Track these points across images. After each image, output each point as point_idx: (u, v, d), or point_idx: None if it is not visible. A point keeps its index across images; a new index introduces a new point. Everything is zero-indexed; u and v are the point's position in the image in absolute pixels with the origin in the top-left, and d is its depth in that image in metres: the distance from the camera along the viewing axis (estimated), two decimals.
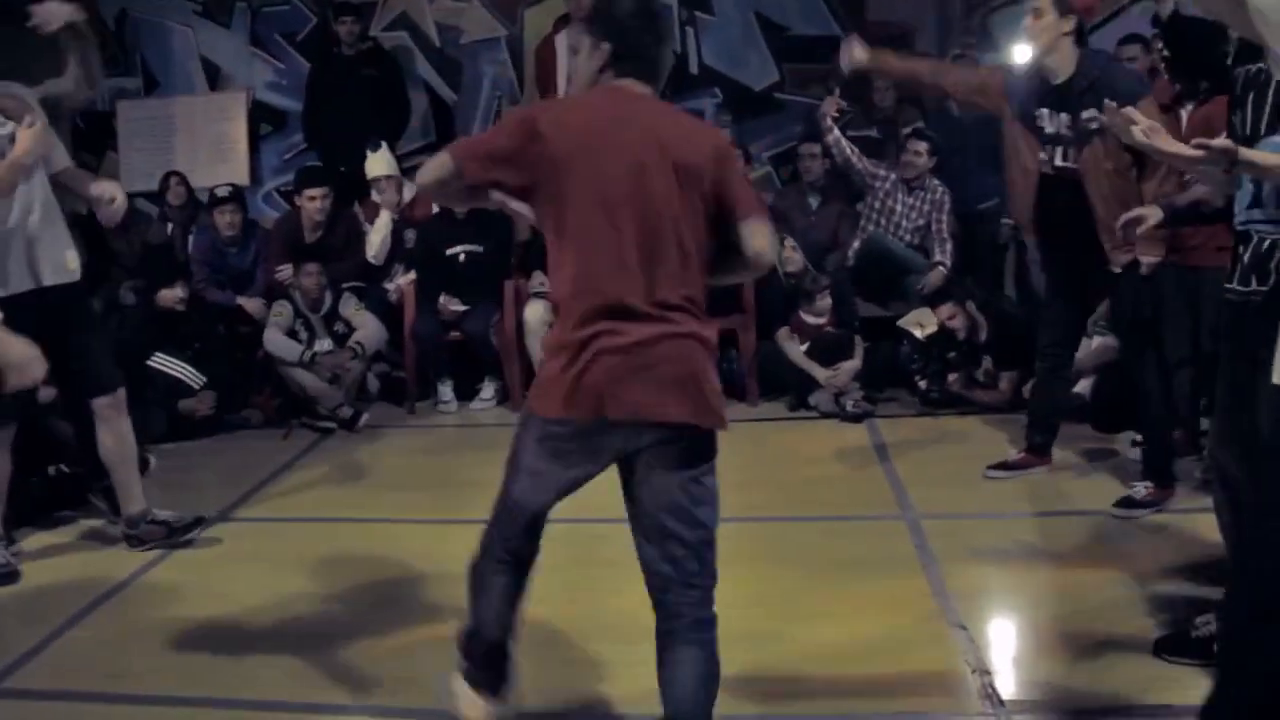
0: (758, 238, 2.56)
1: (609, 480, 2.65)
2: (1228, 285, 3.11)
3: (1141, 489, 4.39)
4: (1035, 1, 4.22)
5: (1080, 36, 4.27)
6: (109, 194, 4.11)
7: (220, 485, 5.11)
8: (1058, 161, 4.35)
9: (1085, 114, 4.17)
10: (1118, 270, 4.31)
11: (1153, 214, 3.59)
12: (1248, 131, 2.99)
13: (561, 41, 6.98)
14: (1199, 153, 2.69)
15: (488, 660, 2.81)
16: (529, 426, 2.66)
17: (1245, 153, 2.69)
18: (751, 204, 2.59)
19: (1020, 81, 4.52)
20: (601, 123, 2.52)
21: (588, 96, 2.64)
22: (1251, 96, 3.02)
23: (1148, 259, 4.28)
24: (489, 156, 2.51)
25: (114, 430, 4.25)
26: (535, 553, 2.83)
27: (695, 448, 2.57)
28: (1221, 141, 2.70)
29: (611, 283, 2.46)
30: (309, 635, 3.59)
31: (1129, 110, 2.98)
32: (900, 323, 6.09)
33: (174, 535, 4.39)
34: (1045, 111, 4.34)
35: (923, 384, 5.98)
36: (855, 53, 4.72)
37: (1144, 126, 2.87)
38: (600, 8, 2.74)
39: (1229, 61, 3.50)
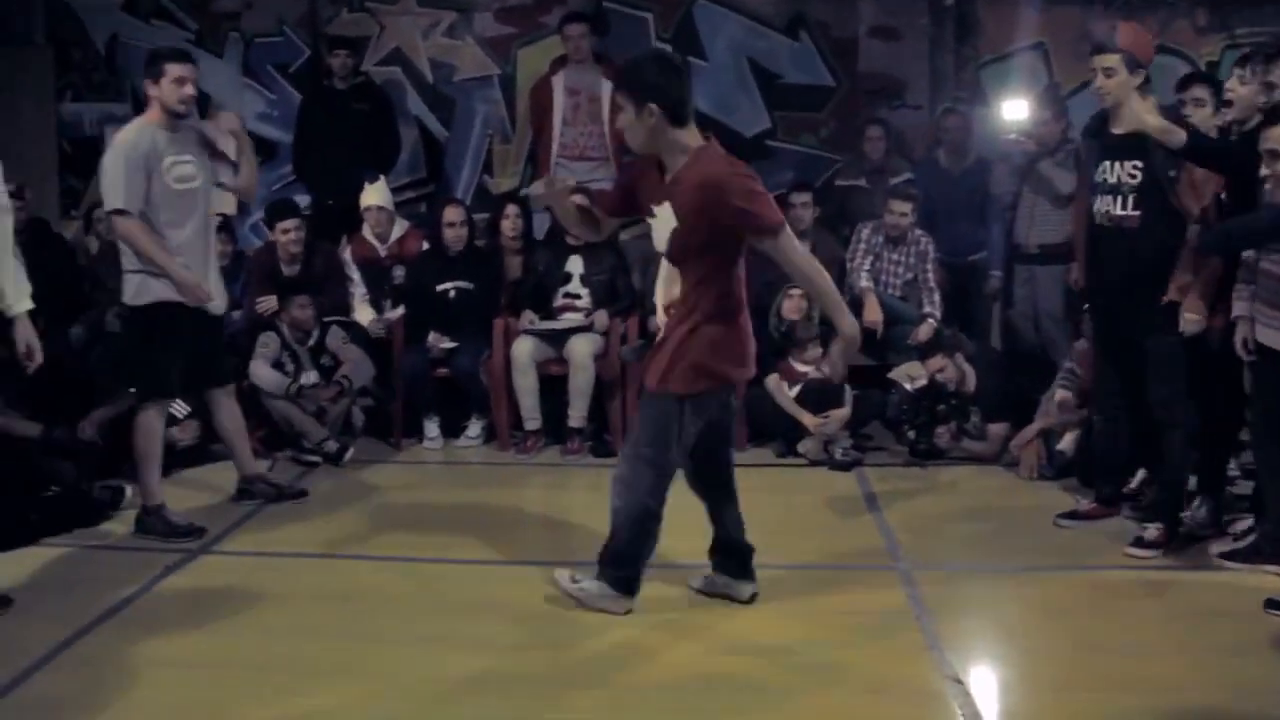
0: None
1: None
2: None
3: (1153, 530, 4.47)
4: (1106, 61, 4.32)
5: (1144, 87, 4.41)
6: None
7: (203, 517, 5.03)
8: (1116, 211, 4.42)
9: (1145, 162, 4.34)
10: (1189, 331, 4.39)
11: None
12: None
13: (559, 83, 7.02)
14: None
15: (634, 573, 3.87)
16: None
17: None
18: None
19: (1084, 143, 4.74)
20: None
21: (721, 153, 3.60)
22: None
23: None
24: None
25: (229, 411, 5.18)
26: None
27: None
28: None
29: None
30: (287, 670, 3.53)
31: None
32: (891, 374, 6.10)
33: (282, 498, 5.32)
34: (1107, 163, 4.44)
35: (911, 434, 5.98)
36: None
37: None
38: (636, 73, 3.46)
39: None
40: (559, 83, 7.03)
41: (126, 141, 4.70)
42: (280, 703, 3.34)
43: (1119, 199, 4.41)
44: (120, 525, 4.96)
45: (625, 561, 3.88)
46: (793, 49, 7.97)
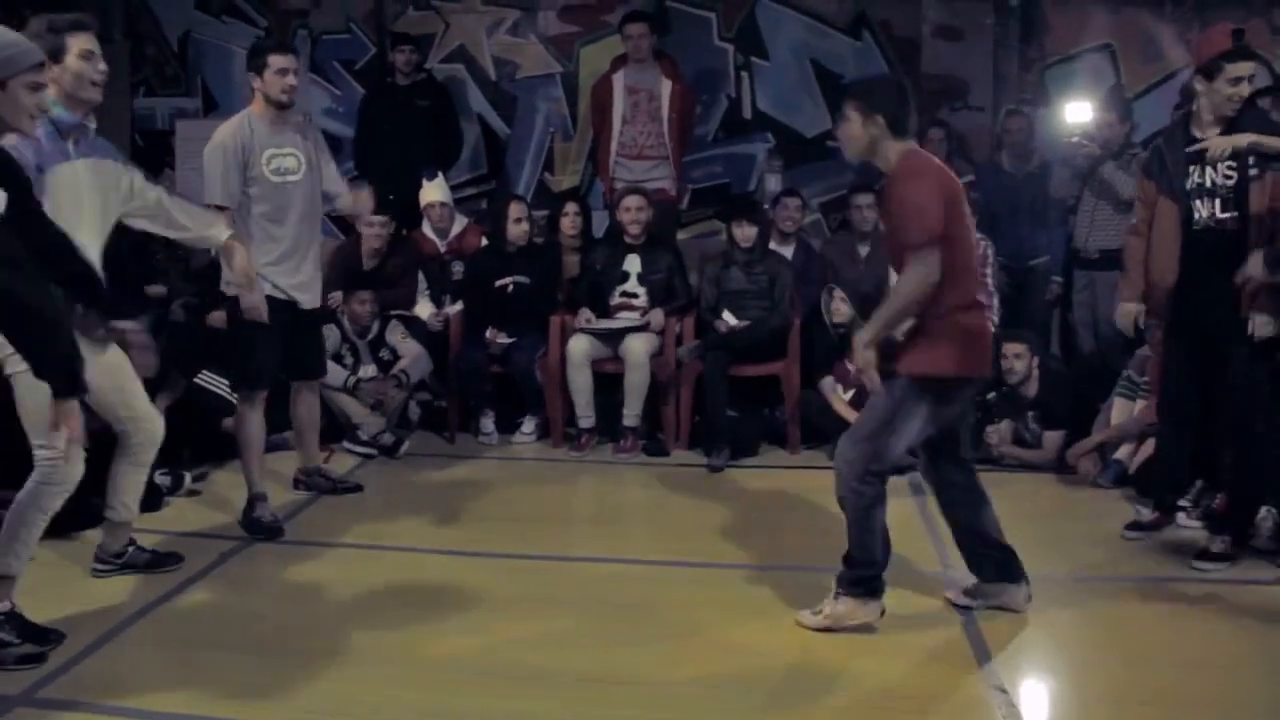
0: None
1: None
2: None
3: (1218, 542, 4.41)
4: (1245, 70, 4.26)
5: None
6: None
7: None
8: (1218, 214, 4.35)
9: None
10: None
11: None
12: None
13: (619, 81, 7.04)
14: None
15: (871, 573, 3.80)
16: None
17: None
18: None
19: (1159, 157, 4.58)
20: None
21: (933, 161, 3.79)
22: None
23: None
24: None
25: (309, 403, 5.29)
26: None
27: None
28: None
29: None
30: (339, 660, 3.58)
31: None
32: None
33: (336, 491, 5.39)
34: (1196, 166, 4.37)
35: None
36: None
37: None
38: (867, 88, 3.86)
39: None
40: (619, 81, 7.04)
41: (224, 134, 4.73)
42: (327, 688, 3.40)
43: (1216, 201, 4.33)
44: (177, 511, 5.07)
45: (859, 560, 3.80)
46: (855, 49, 7.93)
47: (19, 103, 3.15)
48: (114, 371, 3.99)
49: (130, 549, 4.31)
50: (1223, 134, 4.28)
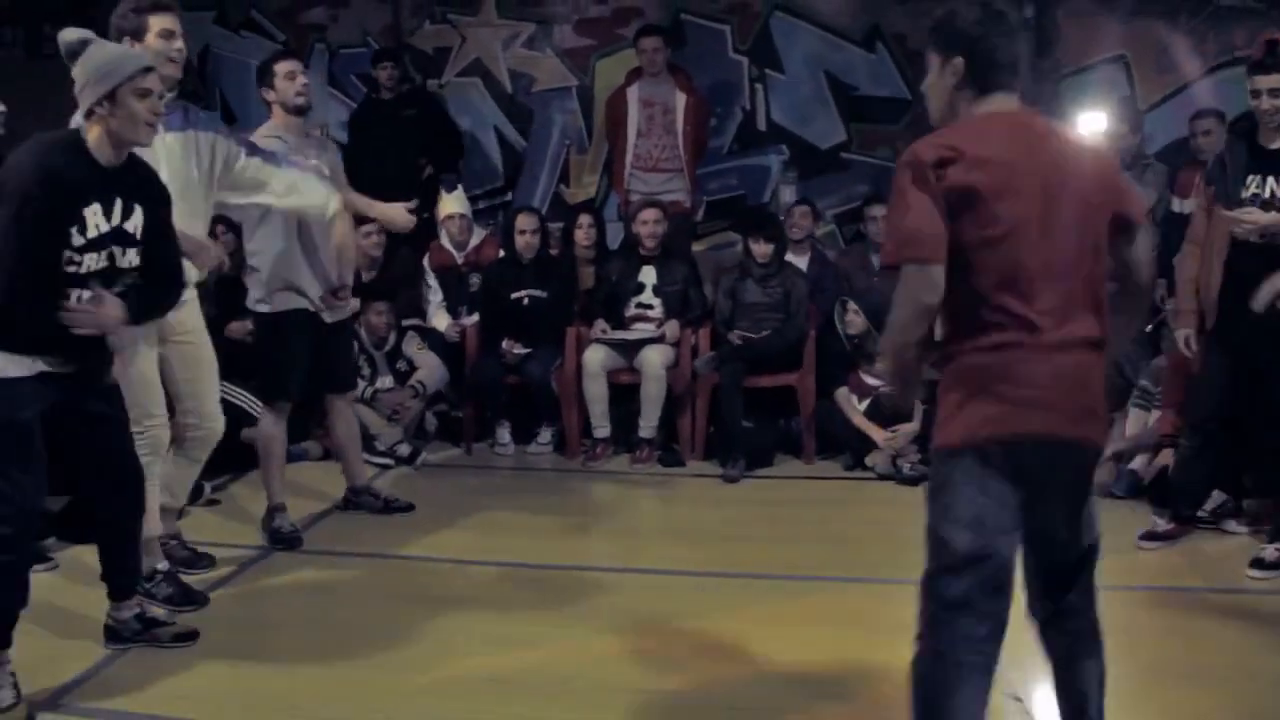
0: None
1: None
2: None
3: (1272, 550, 4.41)
4: (1275, 82, 4.23)
5: None
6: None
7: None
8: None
9: None
10: None
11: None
12: None
13: (633, 94, 7.08)
14: None
15: None
16: None
17: None
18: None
19: (1221, 163, 4.53)
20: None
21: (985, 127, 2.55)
22: None
23: None
24: None
25: (346, 419, 5.24)
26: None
27: None
28: None
29: None
30: (357, 669, 3.62)
31: None
32: None
33: (389, 511, 5.31)
34: (1257, 177, 4.34)
35: None
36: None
37: None
38: (942, 21, 2.66)
39: None
40: (634, 94, 7.08)
41: (261, 141, 4.72)
42: (345, 697, 3.43)
43: (1273, 212, 4.29)
44: (197, 520, 5.10)
45: None
46: (869, 61, 7.94)
47: (132, 111, 3.26)
48: (191, 363, 4.16)
49: (173, 541, 4.42)
50: (1265, 140, 4.28)
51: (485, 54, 8.34)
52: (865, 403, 6.11)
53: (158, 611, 3.88)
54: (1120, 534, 4.88)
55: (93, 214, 3.22)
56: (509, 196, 8.35)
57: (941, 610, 2.53)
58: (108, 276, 3.31)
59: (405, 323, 6.64)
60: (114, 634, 3.73)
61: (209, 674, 3.58)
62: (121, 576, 3.68)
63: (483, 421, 6.62)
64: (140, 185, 3.39)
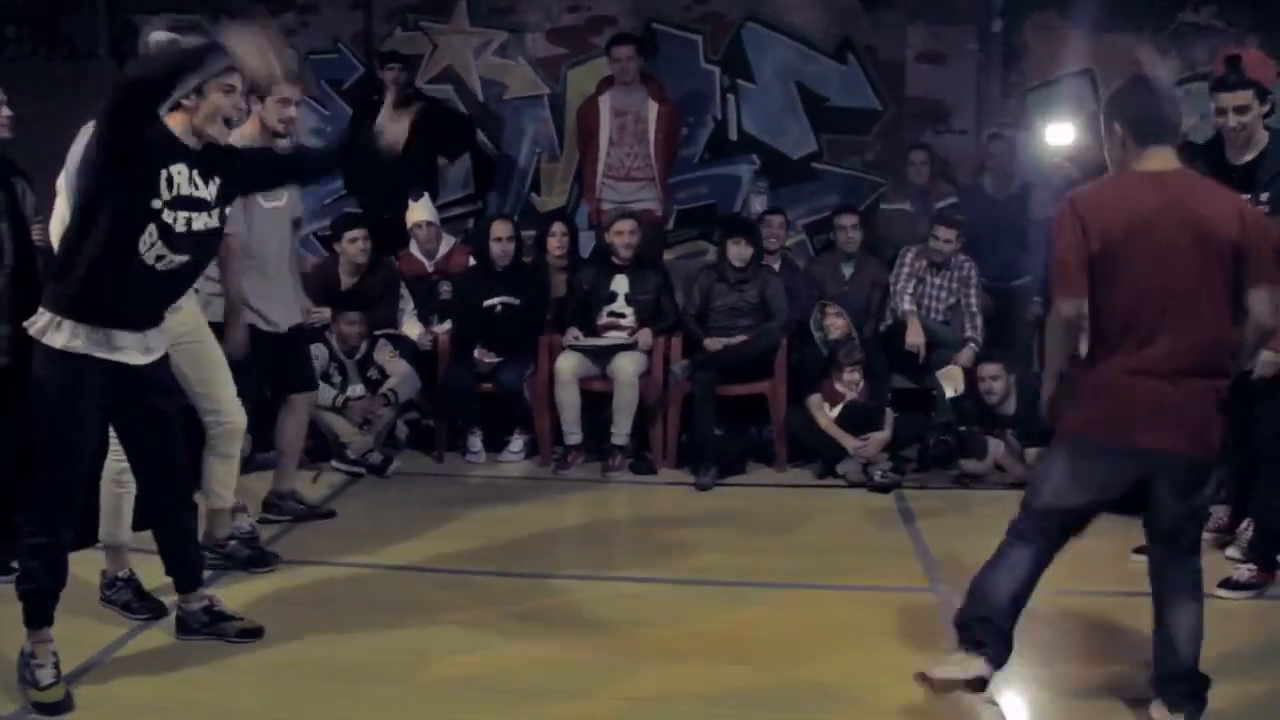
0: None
1: None
2: None
3: (1245, 571, 4.40)
4: (1238, 100, 4.23)
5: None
6: None
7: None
8: None
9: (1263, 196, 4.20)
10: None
11: None
12: None
13: (605, 103, 7.10)
14: None
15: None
16: None
17: None
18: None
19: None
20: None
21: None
22: None
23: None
24: None
25: (296, 423, 5.25)
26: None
27: None
28: None
29: None
30: (333, 679, 3.60)
31: None
32: (937, 373, 6.14)
33: (311, 517, 5.29)
34: None
35: (933, 441, 6.06)
36: None
37: None
38: (1108, 98, 3.48)
39: None
40: (605, 103, 7.10)
41: None
42: (323, 708, 3.42)
43: None
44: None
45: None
46: (840, 72, 8.02)
47: (216, 106, 3.41)
48: (202, 362, 4.18)
49: (232, 542, 4.51)
50: (1248, 162, 4.28)
51: (457, 61, 8.34)
52: (836, 410, 6.14)
53: (227, 606, 3.94)
54: (1090, 540, 4.93)
55: (177, 172, 3.32)
56: (480, 205, 8.34)
57: (1015, 523, 3.34)
58: (182, 240, 3.36)
59: (377, 331, 6.61)
60: (184, 625, 3.86)
61: (180, 686, 3.55)
62: (183, 569, 3.82)
63: (454, 430, 6.60)
64: (218, 159, 3.48)
